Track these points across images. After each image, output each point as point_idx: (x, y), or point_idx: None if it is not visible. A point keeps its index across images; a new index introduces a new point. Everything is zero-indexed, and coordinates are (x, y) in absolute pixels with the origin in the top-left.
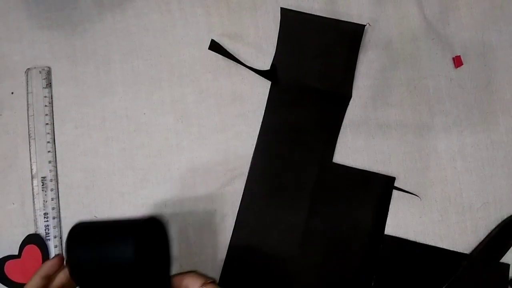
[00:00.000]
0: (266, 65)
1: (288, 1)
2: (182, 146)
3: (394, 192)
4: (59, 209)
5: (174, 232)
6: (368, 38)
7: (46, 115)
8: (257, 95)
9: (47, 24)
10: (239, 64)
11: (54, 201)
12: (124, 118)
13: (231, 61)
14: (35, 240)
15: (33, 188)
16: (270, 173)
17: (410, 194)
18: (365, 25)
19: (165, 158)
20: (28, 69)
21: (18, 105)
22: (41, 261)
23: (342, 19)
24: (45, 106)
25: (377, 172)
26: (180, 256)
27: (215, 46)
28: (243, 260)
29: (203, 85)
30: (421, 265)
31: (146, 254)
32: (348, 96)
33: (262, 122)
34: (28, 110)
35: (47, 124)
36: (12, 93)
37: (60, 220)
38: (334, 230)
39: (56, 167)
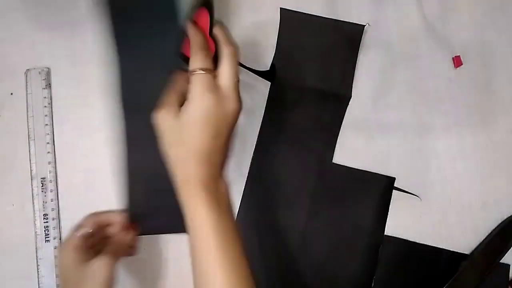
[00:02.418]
0: (265, 66)
1: (287, 1)
2: None
3: (394, 192)
4: (58, 210)
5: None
6: (368, 38)
7: (46, 116)
8: (257, 95)
9: (47, 24)
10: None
11: (54, 202)
12: None
13: None
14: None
15: (32, 189)
16: (269, 173)
17: (410, 195)
18: (365, 25)
19: None
20: (28, 69)
21: (17, 106)
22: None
23: (342, 20)
24: (45, 107)
25: (377, 172)
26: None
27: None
28: None
29: None
30: (421, 265)
31: None
32: (348, 96)
33: (261, 122)
34: (27, 111)
35: (46, 125)
36: (12, 93)
37: (59, 221)
38: (334, 231)
39: (55, 168)
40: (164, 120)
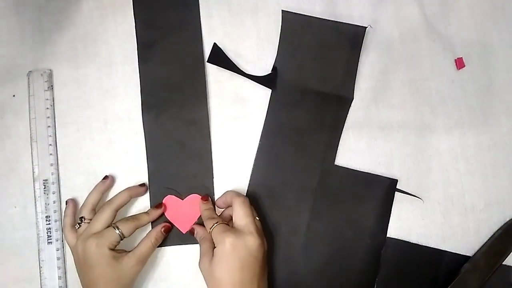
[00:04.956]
0: (267, 67)
1: (289, 3)
2: None
3: (397, 194)
4: (61, 212)
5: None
6: (370, 40)
7: (48, 117)
8: (259, 97)
9: (49, 26)
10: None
11: (56, 204)
12: (126, 121)
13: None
14: None
15: (35, 191)
16: (272, 175)
17: (412, 196)
18: (366, 27)
19: None
20: (30, 71)
21: (19, 108)
22: None
23: (344, 21)
24: (47, 108)
25: (379, 174)
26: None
27: (213, 58)
28: None
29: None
30: (423, 267)
31: None
32: (350, 98)
33: (264, 124)
34: (29, 113)
35: (48, 126)
36: (14, 96)
37: (62, 223)
38: (337, 233)
39: (58, 170)
40: (203, 266)
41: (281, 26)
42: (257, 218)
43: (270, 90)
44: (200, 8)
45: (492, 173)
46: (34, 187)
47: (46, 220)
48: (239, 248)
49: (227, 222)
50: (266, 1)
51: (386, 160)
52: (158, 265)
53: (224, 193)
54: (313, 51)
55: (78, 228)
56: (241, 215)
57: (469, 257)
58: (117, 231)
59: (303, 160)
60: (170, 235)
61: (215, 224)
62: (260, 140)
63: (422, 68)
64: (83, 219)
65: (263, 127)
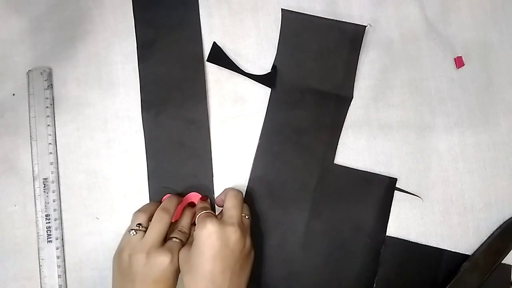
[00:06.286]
0: (267, 66)
1: (289, 2)
2: None
3: (396, 193)
4: (60, 210)
5: None
6: (369, 39)
7: (48, 116)
8: (259, 96)
9: (49, 25)
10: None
11: (56, 202)
12: (125, 120)
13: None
14: None
15: (34, 190)
16: (271, 174)
17: (411, 195)
18: (366, 26)
19: None
20: (30, 70)
21: (19, 106)
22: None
23: (343, 20)
24: (47, 107)
25: (378, 173)
26: None
27: (213, 57)
28: None
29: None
30: (423, 266)
31: None
32: (350, 97)
33: (263, 123)
34: (29, 111)
35: (48, 125)
36: (14, 94)
37: (61, 222)
38: (336, 231)
39: (57, 168)
40: (182, 254)
41: (281, 25)
42: (247, 216)
43: (270, 89)
44: (200, 7)
45: (492, 172)
46: (33, 186)
47: (46, 218)
48: (215, 236)
49: None
50: (265, 0)
51: (385, 159)
52: None
53: (223, 191)
54: (312, 50)
55: (134, 235)
56: (229, 206)
57: (468, 256)
58: (177, 240)
59: (303, 159)
60: None
61: (203, 212)
62: (259, 139)
63: (421, 67)
64: (140, 226)
65: (263, 126)
